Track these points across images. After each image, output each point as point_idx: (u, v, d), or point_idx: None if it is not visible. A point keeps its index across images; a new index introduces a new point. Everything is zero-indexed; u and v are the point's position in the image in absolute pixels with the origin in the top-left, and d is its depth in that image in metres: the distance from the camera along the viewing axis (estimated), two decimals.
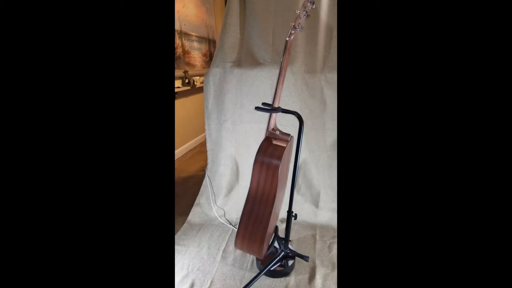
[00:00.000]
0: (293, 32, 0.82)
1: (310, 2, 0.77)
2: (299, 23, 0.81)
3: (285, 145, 0.90)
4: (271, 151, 0.90)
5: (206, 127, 1.49)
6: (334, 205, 1.42)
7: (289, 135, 0.96)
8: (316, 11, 1.23)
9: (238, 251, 1.21)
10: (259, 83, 1.33)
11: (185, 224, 1.43)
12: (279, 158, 0.87)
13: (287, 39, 0.83)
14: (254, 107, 1.38)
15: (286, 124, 1.23)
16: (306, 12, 0.79)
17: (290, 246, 1.13)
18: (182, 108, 2.63)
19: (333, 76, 1.27)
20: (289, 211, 0.98)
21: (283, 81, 0.88)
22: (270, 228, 0.98)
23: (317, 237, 1.29)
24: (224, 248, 1.23)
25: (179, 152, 2.62)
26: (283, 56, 0.85)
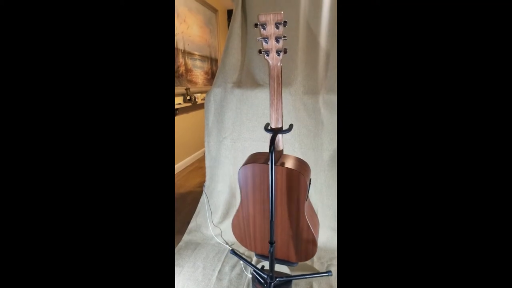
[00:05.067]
0: (266, 57, 0.80)
1: (276, 26, 0.75)
2: (278, 48, 0.79)
3: (255, 162, 0.94)
4: (247, 161, 0.98)
5: (205, 144, 1.50)
6: (332, 224, 1.41)
7: (281, 158, 0.95)
8: (315, 38, 1.30)
9: (234, 273, 1.18)
10: (259, 103, 1.36)
11: (180, 243, 1.40)
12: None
13: (274, 63, 0.82)
14: (253, 125, 1.41)
15: (285, 142, 1.24)
16: (276, 37, 0.76)
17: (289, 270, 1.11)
18: (183, 123, 2.66)
19: (330, 97, 1.30)
20: (271, 242, 0.93)
21: (275, 103, 0.87)
22: (246, 229, 1.08)
23: (315, 259, 1.26)
24: (220, 269, 1.20)
25: (177, 167, 2.62)
26: (269, 80, 0.84)
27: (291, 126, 0.91)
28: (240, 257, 1.19)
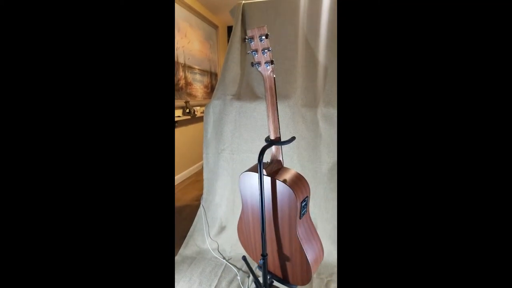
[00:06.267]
0: (259, 69, 0.84)
1: (260, 39, 0.79)
2: (266, 60, 0.82)
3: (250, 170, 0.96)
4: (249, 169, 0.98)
5: (204, 156, 1.50)
6: (331, 238, 1.38)
7: (278, 170, 0.93)
8: (313, 53, 1.34)
9: None
10: (257, 115, 1.38)
11: (177, 257, 1.36)
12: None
13: (266, 75, 0.85)
14: (252, 137, 1.42)
15: (284, 155, 1.24)
16: (262, 50, 0.81)
17: None
18: (181, 136, 2.66)
19: (328, 110, 1.32)
20: (263, 255, 0.90)
21: (270, 115, 0.88)
22: (248, 236, 1.08)
23: (314, 274, 1.23)
24: (216, 285, 1.16)
25: (175, 180, 2.59)
26: (264, 92, 0.87)
27: (292, 138, 0.90)
28: (248, 266, 1.15)
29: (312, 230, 0.99)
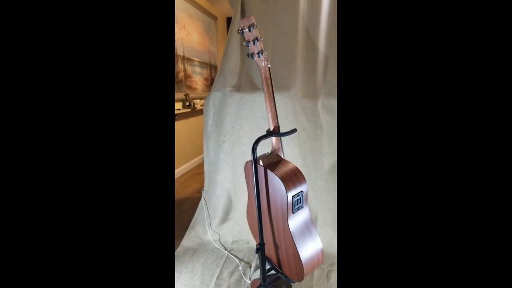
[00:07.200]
0: (254, 60, 0.85)
1: (249, 29, 0.81)
2: (258, 50, 0.83)
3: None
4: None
5: (204, 148, 1.50)
6: (332, 228, 1.40)
7: (276, 162, 0.92)
8: (314, 43, 1.32)
9: (233, 279, 1.16)
10: (257, 107, 1.37)
11: (178, 248, 1.38)
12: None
13: (261, 65, 0.85)
14: (252, 129, 1.41)
15: (284, 146, 1.24)
16: (253, 40, 0.81)
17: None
18: (182, 129, 2.66)
19: (329, 102, 1.31)
20: (260, 244, 0.90)
21: (268, 105, 0.88)
22: (254, 223, 1.07)
23: (311, 272, 1.24)
24: (218, 275, 1.18)
25: (176, 173, 2.60)
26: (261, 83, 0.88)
27: (293, 130, 0.89)
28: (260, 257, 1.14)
29: (311, 230, 0.95)
